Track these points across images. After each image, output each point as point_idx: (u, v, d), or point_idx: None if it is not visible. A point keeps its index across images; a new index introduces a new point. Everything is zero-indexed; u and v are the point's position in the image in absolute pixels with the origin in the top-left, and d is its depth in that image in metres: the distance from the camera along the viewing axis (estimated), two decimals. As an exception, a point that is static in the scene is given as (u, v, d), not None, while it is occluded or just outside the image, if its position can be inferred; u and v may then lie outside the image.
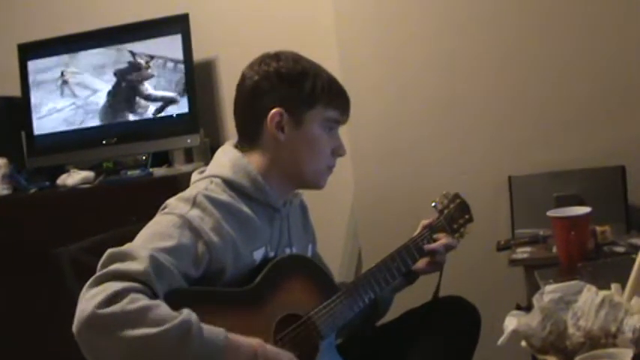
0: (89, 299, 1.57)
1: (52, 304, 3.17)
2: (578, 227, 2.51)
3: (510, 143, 3.40)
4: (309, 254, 2.28)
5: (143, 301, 1.58)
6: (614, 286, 1.70)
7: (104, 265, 1.66)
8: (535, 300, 1.78)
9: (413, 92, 3.51)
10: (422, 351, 2.21)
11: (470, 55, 3.45)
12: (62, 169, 4.00)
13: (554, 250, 2.65)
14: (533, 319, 1.72)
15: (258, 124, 2.02)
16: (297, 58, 2.07)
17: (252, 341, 1.71)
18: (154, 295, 1.63)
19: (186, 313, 1.61)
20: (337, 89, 2.10)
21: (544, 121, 3.37)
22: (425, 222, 2.43)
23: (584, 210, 2.55)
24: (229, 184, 1.95)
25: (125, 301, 1.57)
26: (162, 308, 1.60)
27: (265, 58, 2.06)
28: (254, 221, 1.95)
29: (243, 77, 2.07)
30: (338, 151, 2.11)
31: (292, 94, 2.02)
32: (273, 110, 1.99)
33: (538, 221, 2.90)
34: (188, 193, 1.90)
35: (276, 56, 2.05)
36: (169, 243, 1.74)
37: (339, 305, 2.08)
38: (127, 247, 1.72)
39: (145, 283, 1.63)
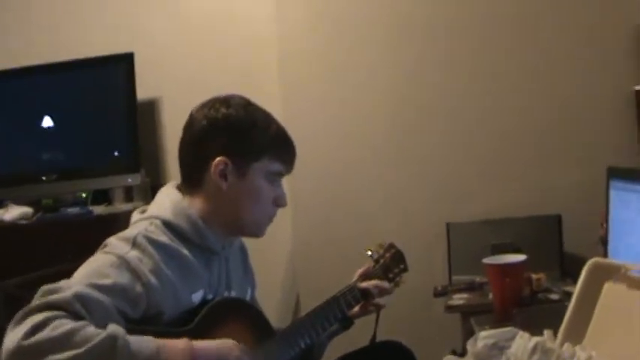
0: (15, 333, 1.56)
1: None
2: (512, 275, 2.55)
3: (449, 191, 3.46)
4: (248, 297, 2.27)
5: (68, 325, 1.58)
6: (546, 332, 1.72)
7: (36, 300, 1.65)
8: (469, 345, 1.80)
9: (355, 140, 3.56)
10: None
11: (412, 106, 3.53)
12: (0, 204, 3.94)
13: (490, 296, 2.68)
14: (467, 364, 1.74)
15: (202, 169, 1.99)
16: (247, 107, 2.03)
17: (182, 341, 1.73)
18: (80, 320, 1.62)
19: (112, 328, 1.62)
20: (285, 143, 2.07)
21: (482, 169, 3.45)
22: (360, 270, 2.45)
23: (518, 258, 2.60)
24: (169, 226, 1.93)
25: (49, 328, 1.56)
26: (88, 329, 1.60)
27: (215, 103, 2.01)
28: (192, 264, 1.94)
29: (192, 119, 2.03)
30: (279, 202, 2.08)
31: (239, 145, 1.99)
32: (218, 158, 1.96)
33: (475, 268, 2.95)
34: (129, 233, 1.89)
35: (227, 102, 2.01)
36: (105, 281, 1.72)
37: (275, 349, 2.08)
38: (60, 283, 1.70)
39: (70, 311, 1.62)
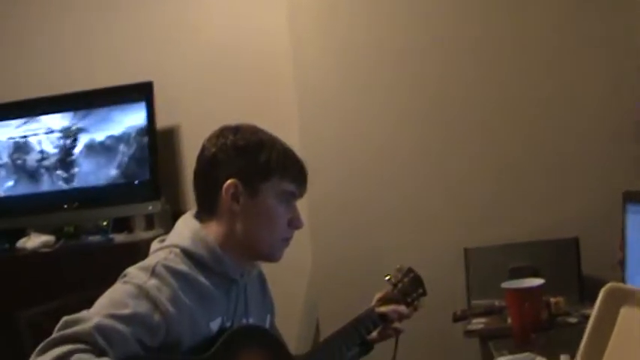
0: None
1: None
2: (531, 299, 2.55)
3: (467, 216, 3.47)
4: (267, 325, 2.27)
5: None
6: (563, 357, 1.74)
7: (57, 332, 1.67)
8: (487, 371, 1.81)
9: (373, 167, 3.59)
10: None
11: (430, 134, 3.56)
12: (22, 232, 3.98)
13: (509, 320, 2.68)
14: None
15: (214, 194, 2.01)
16: (254, 131, 2.06)
17: None
18: (101, 354, 1.63)
19: None
20: (293, 161, 2.08)
21: (499, 194, 3.46)
22: (379, 295, 2.45)
23: (536, 282, 2.60)
24: (188, 254, 1.95)
25: None
26: None
27: (224, 131, 2.05)
28: (211, 292, 1.95)
29: (203, 149, 2.06)
30: (294, 223, 2.08)
31: (247, 166, 2.01)
32: (229, 181, 1.99)
33: (493, 292, 2.94)
34: (147, 262, 1.90)
35: (235, 129, 2.05)
36: (125, 311, 1.74)
37: (295, 376, 2.10)
38: (81, 313, 1.72)
39: (92, 343, 1.63)
